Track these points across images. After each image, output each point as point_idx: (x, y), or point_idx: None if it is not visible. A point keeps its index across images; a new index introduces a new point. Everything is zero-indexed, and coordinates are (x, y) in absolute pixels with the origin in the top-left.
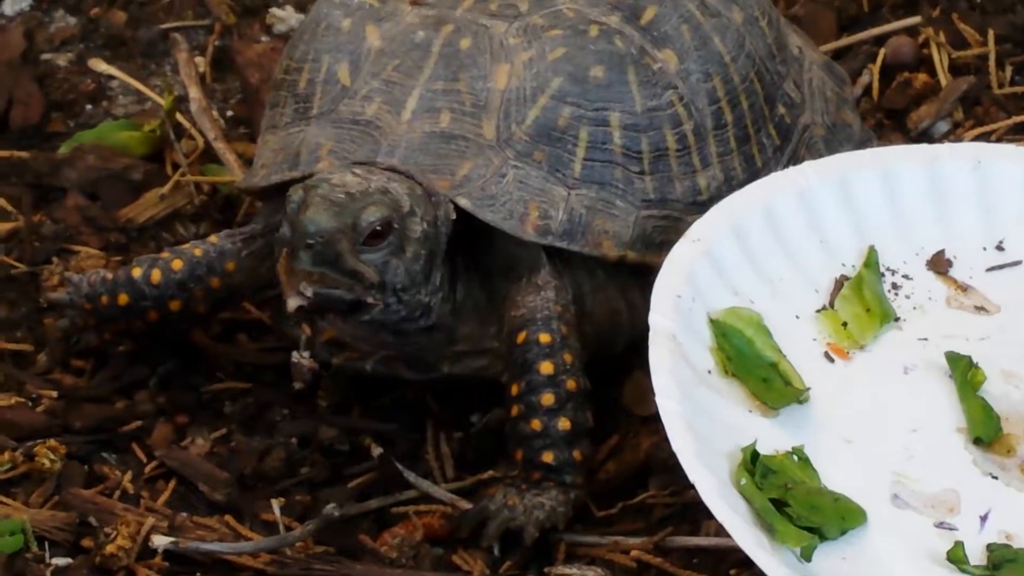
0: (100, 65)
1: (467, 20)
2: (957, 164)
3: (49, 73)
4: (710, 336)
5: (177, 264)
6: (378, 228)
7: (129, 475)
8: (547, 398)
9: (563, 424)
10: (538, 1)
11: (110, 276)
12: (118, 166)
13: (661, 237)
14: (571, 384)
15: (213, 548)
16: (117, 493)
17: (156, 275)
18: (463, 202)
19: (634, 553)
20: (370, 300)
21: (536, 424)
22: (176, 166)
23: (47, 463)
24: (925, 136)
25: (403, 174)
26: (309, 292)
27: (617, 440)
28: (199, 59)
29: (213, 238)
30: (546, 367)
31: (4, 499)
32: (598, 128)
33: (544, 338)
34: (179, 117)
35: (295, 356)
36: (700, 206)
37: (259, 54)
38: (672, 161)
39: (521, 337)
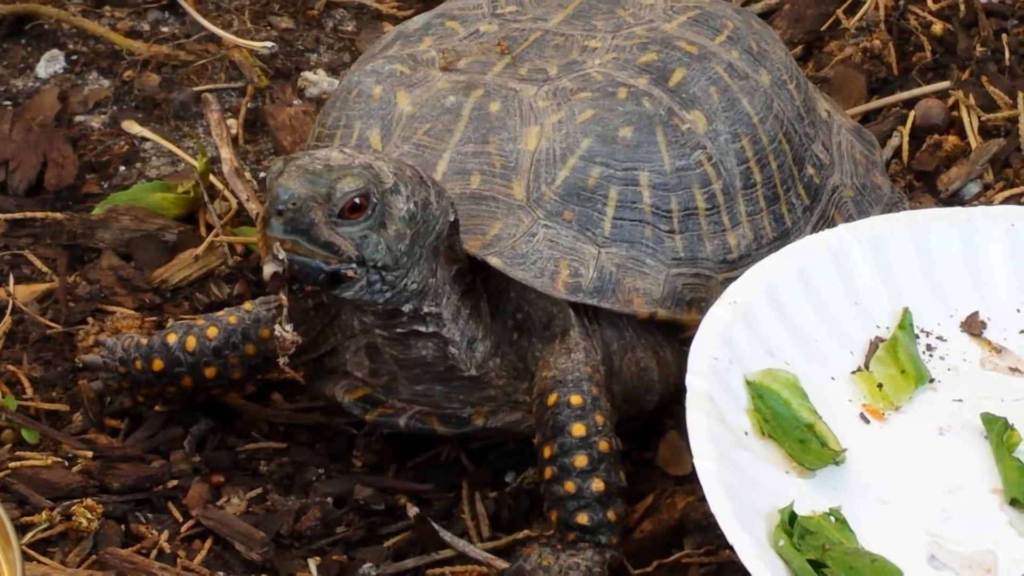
0: (133, 127)
1: (497, 84)
2: (991, 226)
3: (83, 135)
4: (747, 398)
5: (212, 331)
6: (356, 201)
7: (166, 534)
8: (580, 460)
9: (597, 485)
10: (567, 65)
11: (144, 341)
12: (152, 227)
13: (691, 295)
14: (603, 445)
15: None
16: (154, 552)
17: (191, 342)
18: (494, 261)
19: None
20: (350, 273)
21: (570, 486)
22: (210, 227)
23: (84, 523)
24: (956, 198)
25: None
26: (282, 255)
27: (652, 499)
28: (232, 121)
29: (248, 305)
30: (578, 429)
31: (42, 559)
32: (627, 188)
33: (575, 400)
34: (212, 178)
35: (276, 329)
36: (730, 264)
37: (291, 117)
38: (701, 220)
39: (552, 399)
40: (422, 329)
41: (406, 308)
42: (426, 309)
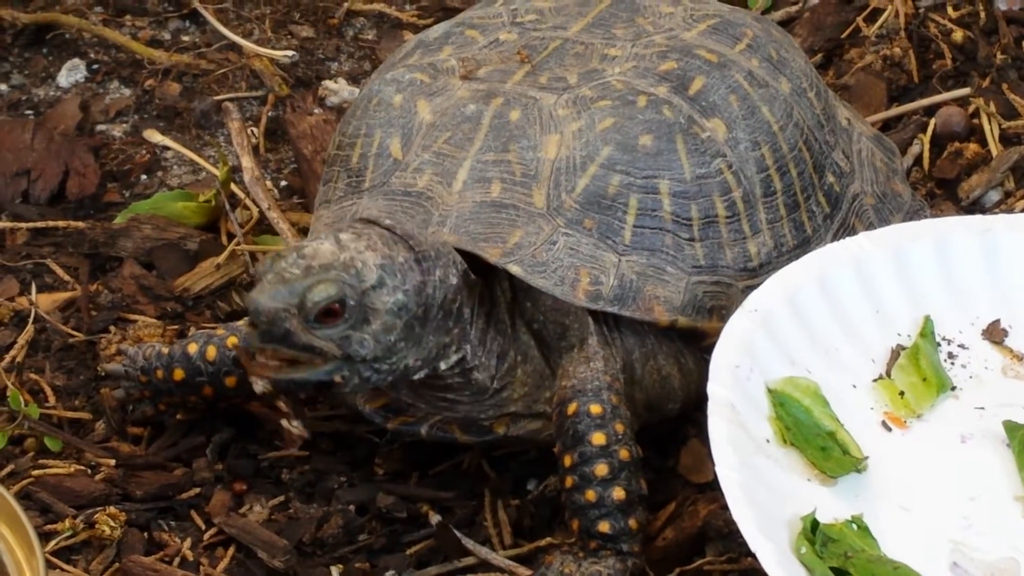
0: (155, 136)
1: (517, 93)
2: (1011, 235)
3: (104, 144)
4: (768, 406)
5: (232, 341)
6: (329, 307)
7: (188, 542)
8: (601, 469)
9: (618, 494)
10: (587, 74)
11: (166, 351)
12: (174, 236)
13: (712, 303)
14: (624, 454)
15: None
16: (177, 560)
17: (211, 352)
18: (515, 269)
19: None
20: (337, 379)
21: (591, 495)
22: (231, 236)
23: (107, 530)
24: (976, 206)
25: (399, 236)
26: (260, 385)
27: (674, 507)
28: (253, 130)
29: None
30: (598, 438)
31: (65, 566)
32: (647, 195)
33: (595, 409)
34: (234, 187)
35: (284, 423)
36: (751, 272)
37: (312, 125)
38: (722, 228)
39: (572, 408)
40: (443, 367)
41: (420, 375)
42: (452, 359)
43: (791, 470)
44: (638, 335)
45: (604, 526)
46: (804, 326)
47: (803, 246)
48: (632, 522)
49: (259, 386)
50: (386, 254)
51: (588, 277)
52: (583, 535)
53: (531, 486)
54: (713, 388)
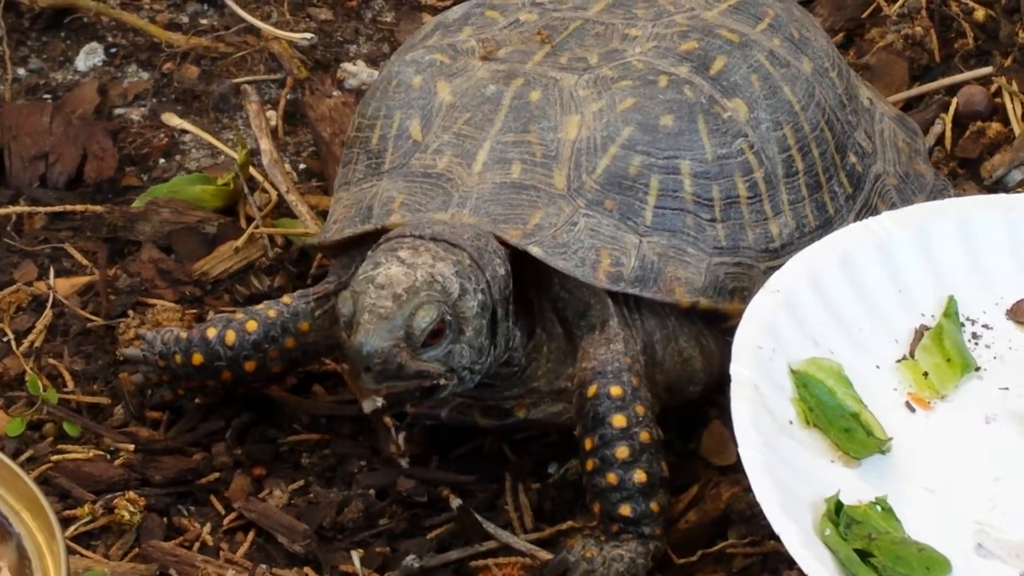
0: (173, 119)
1: (537, 73)
2: None
3: (123, 128)
4: (791, 387)
5: (251, 325)
6: (434, 329)
7: (208, 527)
8: (621, 451)
9: (639, 476)
10: (607, 54)
11: (184, 335)
12: (192, 219)
13: (733, 284)
14: (644, 436)
15: None
16: (196, 545)
17: (231, 336)
18: (535, 251)
19: None
20: (442, 383)
21: (612, 478)
22: (250, 219)
23: (127, 515)
24: (999, 185)
25: (446, 242)
26: (380, 402)
27: (697, 490)
28: (271, 113)
29: (287, 298)
30: (618, 420)
31: (84, 551)
32: (668, 176)
33: (615, 391)
34: (252, 170)
35: (392, 448)
36: (772, 253)
37: (331, 108)
38: (743, 208)
39: (592, 390)
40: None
41: (496, 366)
42: (516, 344)
43: (815, 451)
44: (659, 317)
45: (625, 509)
46: (827, 306)
47: (825, 227)
48: (654, 505)
49: (369, 406)
50: (454, 261)
51: (609, 258)
52: (604, 518)
53: (552, 469)
54: (736, 369)
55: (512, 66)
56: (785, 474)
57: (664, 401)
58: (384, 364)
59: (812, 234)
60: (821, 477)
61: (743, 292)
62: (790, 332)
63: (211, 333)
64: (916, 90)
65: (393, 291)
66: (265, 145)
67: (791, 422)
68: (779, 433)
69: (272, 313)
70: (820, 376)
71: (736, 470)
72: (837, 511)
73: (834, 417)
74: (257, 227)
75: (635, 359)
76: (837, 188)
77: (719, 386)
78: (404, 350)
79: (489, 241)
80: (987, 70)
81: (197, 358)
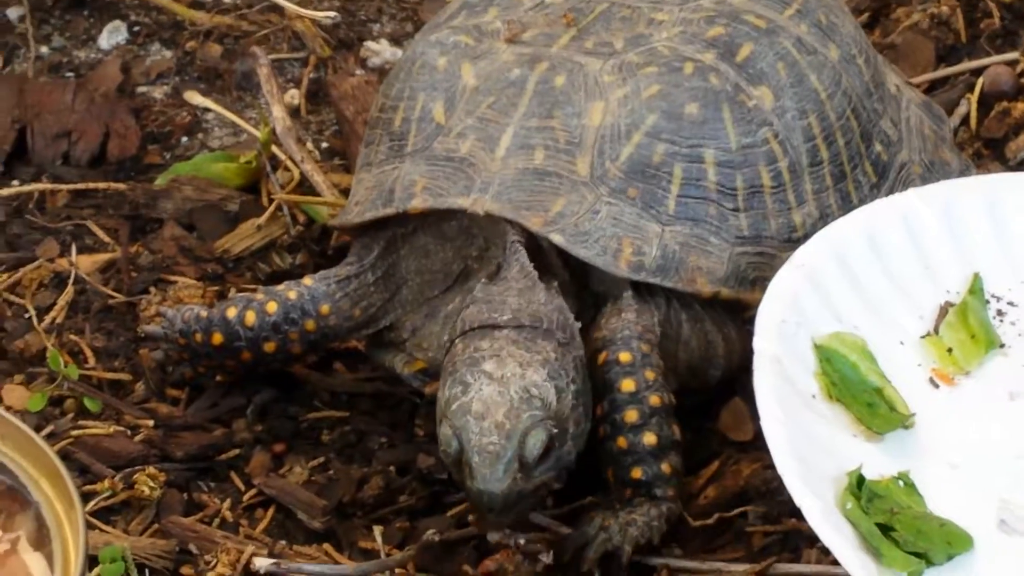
0: (196, 97)
1: (562, 58)
2: None
3: (145, 106)
4: (815, 361)
5: (271, 307)
6: (543, 450)
7: (228, 503)
8: (630, 415)
9: (648, 439)
10: (633, 39)
11: (204, 314)
12: (214, 197)
13: (755, 274)
14: (654, 399)
15: (315, 570)
16: (216, 521)
17: (250, 317)
18: (557, 238)
19: None
20: (556, 486)
21: (622, 442)
22: (272, 198)
23: (146, 491)
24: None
25: (528, 328)
26: (497, 536)
27: (717, 466)
28: (294, 91)
29: (307, 280)
30: (627, 385)
31: (104, 527)
32: (692, 165)
33: (624, 357)
34: (275, 148)
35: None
36: (795, 243)
37: (354, 87)
38: (767, 198)
39: (601, 358)
40: None
41: None
42: None
43: (837, 426)
44: (684, 300)
45: (637, 472)
46: (851, 281)
47: None
48: (665, 466)
49: (495, 536)
50: (541, 361)
51: (631, 247)
52: (618, 484)
53: None
54: (759, 343)
55: (537, 50)
56: (807, 448)
57: (683, 381)
58: (506, 503)
59: None
60: (843, 451)
61: (765, 282)
62: (814, 307)
63: (231, 313)
64: (942, 71)
65: (495, 420)
66: (277, 111)
67: (814, 396)
68: (802, 407)
69: (292, 294)
70: (844, 351)
71: (756, 447)
72: (859, 485)
73: (857, 392)
74: (279, 205)
75: (647, 328)
76: (862, 177)
77: (737, 375)
78: (520, 479)
79: (555, 298)
80: (1014, 55)
81: (217, 338)
